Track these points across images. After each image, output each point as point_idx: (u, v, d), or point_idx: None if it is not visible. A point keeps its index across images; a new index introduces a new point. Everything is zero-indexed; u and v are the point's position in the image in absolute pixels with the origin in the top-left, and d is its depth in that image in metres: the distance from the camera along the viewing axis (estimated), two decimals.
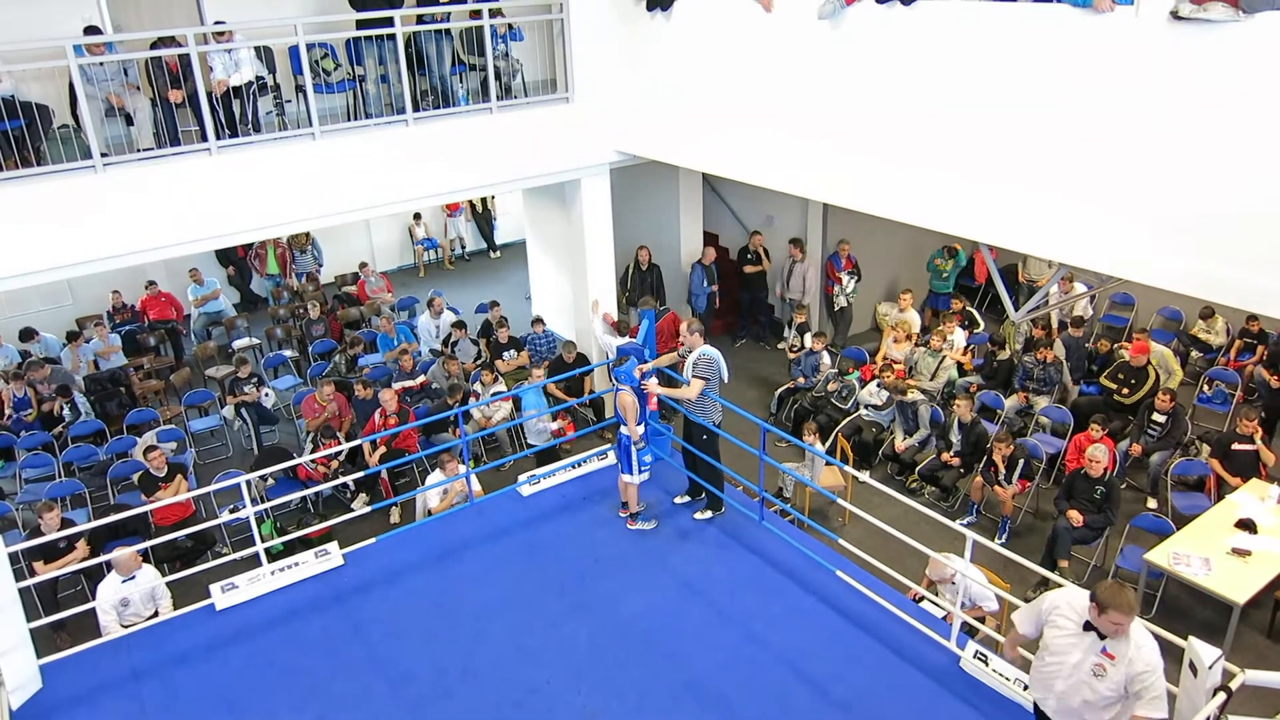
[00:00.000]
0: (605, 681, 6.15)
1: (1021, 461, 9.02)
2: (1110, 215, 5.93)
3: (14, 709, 5.95)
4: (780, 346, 12.62)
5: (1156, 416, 9.41)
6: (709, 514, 7.79)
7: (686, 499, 8.06)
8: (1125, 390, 10.16)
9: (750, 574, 7.12)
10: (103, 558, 7.35)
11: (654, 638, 6.51)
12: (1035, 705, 4.99)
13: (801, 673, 6.12)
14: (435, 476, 8.89)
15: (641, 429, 7.35)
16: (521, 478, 8.54)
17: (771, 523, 7.58)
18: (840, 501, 7.13)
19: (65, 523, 8.13)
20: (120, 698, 6.28)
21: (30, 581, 6.96)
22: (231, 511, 8.59)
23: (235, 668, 6.49)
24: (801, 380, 11.19)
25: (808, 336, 11.78)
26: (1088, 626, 4.50)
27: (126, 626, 7.15)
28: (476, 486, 8.52)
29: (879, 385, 10.54)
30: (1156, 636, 4.57)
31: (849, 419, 10.48)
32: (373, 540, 7.78)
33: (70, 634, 7.82)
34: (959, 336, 11.59)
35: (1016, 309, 8.03)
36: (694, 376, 7.28)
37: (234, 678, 6.40)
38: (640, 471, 7.47)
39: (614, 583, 7.13)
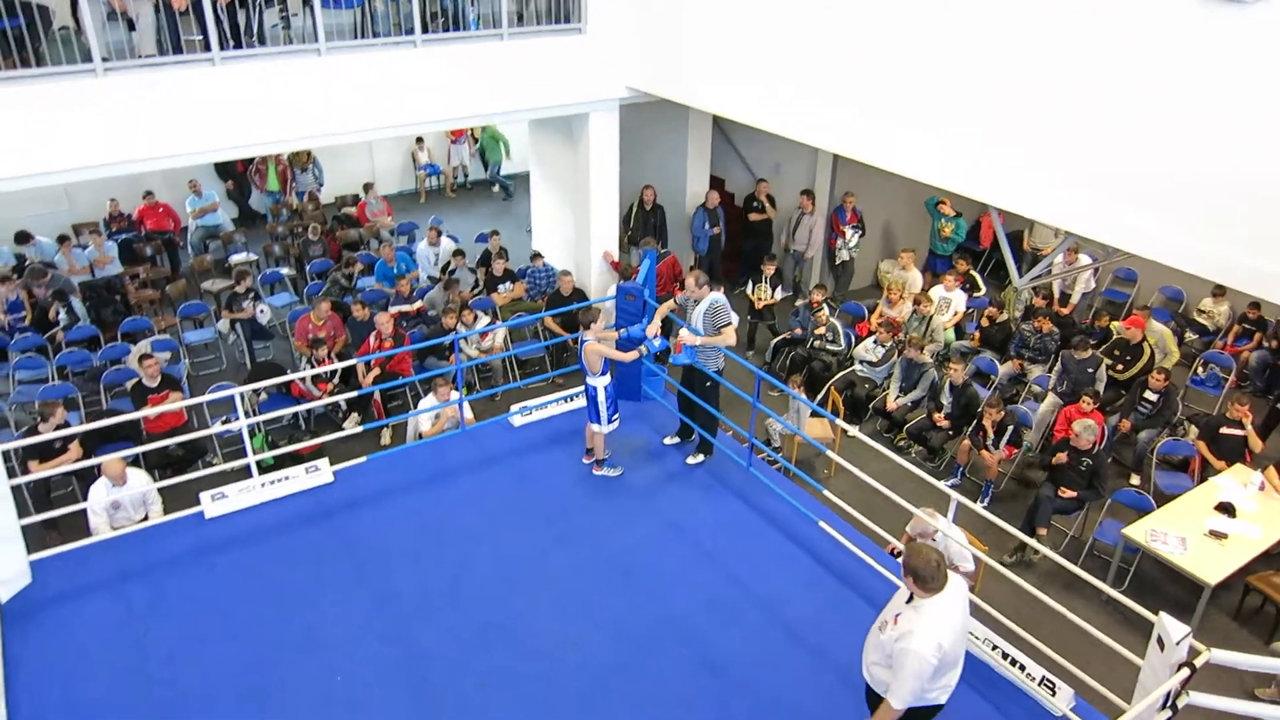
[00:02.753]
0: (586, 612, 6.26)
1: (1011, 428, 9.10)
2: (1122, 186, 5.90)
3: (3, 601, 6.03)
4: (750, 296, 12.47)
5: (1149, 394, 9.48)
6: (700, 458, 7.86)
7: (676, 440, 8.12)
8: (1120, 366, 10.22)
9: (734, 518, 7.22)
10: (95, 460, 7.39)
11: (636, 574, 6.62)
12: None
13: (778, 617, 6.24)
14: (428, 401, 8.93)
15: (606, 380, 7.34)
16: (513, 408, 8.58)
17: (759, 470, 7.66)
18: (828, 453, 7.20)
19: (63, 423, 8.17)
20: (108, 598, 6.37)
21: (23, 479, 7.01)
22: (224, 423, 8.62)
23: (223, 576, 6.58)
24: (799, 331, 11.21)
25: (778, 290, 11.86)
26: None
27: (116, 529, 7.23)
28: (469, 414, 8.56)
29: (875, 342, 10.57)
30: (1127, 610, 4.64)
31: (844, 373, 10.54)
32: (363, 459, 7.84)
33: (61, 533, 7.90)
34: (959, 299, 11.60)
35: (1020, 275, 8.03)
36: (720, 325, 7.27)
37: (221, 585, 6.49)
38: (609, 421, 7.51)
39: (600, 518, 7.21)
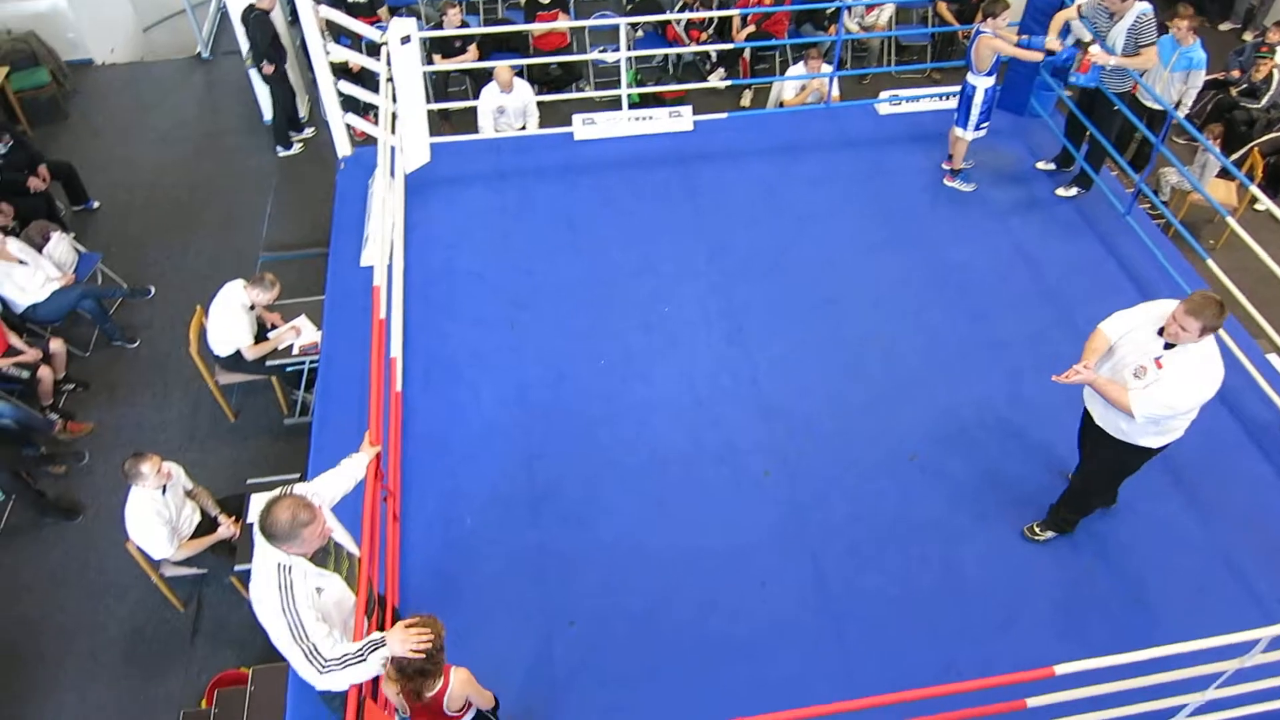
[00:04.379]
0: (901, 315, 6.26)
1: None
2: None
3: (409, 172, 7.00)
4: (1223, 28, 10.50)
5: None
6: (1074, 191, 7.17)
7: (1051, 167, 7.42)
8: None
9: (1092, 263, 6.67)
10: (489, 63, 8.02)
11: (965, 291, 6.43)
12: None
13: None
14: (797, 69, 8.68)
15: (990, 82, 6.62)
16: (882, 94, 8.15)
17: (1137, 220, 6.90)
18: (1229, 220, 6.27)
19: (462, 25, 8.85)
20: (487, 190, 7.22)
21: (429, 68, 7.80)
22: (601, 52, 8.94)
23: (580, 194, 7.18)
24: (1236, 73, 9.44)
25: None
26: (1160, 332, 4.10)
27: (498, 132, 7.99)
28: (835, 91, 8.25)
29: None
30: None
31: (1276, 135, 8.90)
32: (724, 116, 7.93)
33: (453, 125, 8.88)
34: None
35: None
36: (1142, 45, 6.31)
37: (577, 202, 7.11)
38: (976, 128, 6.88)
39: (946, 227, 6.95)
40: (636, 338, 6.06)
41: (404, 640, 3.18)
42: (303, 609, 3.22)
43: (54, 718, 5.18)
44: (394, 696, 3.29)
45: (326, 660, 3.21)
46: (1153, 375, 4.12)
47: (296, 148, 9.32)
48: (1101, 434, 4.49)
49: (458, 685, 3.32)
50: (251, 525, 5.07)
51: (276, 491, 3.36)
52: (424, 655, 3.17)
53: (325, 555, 3.49)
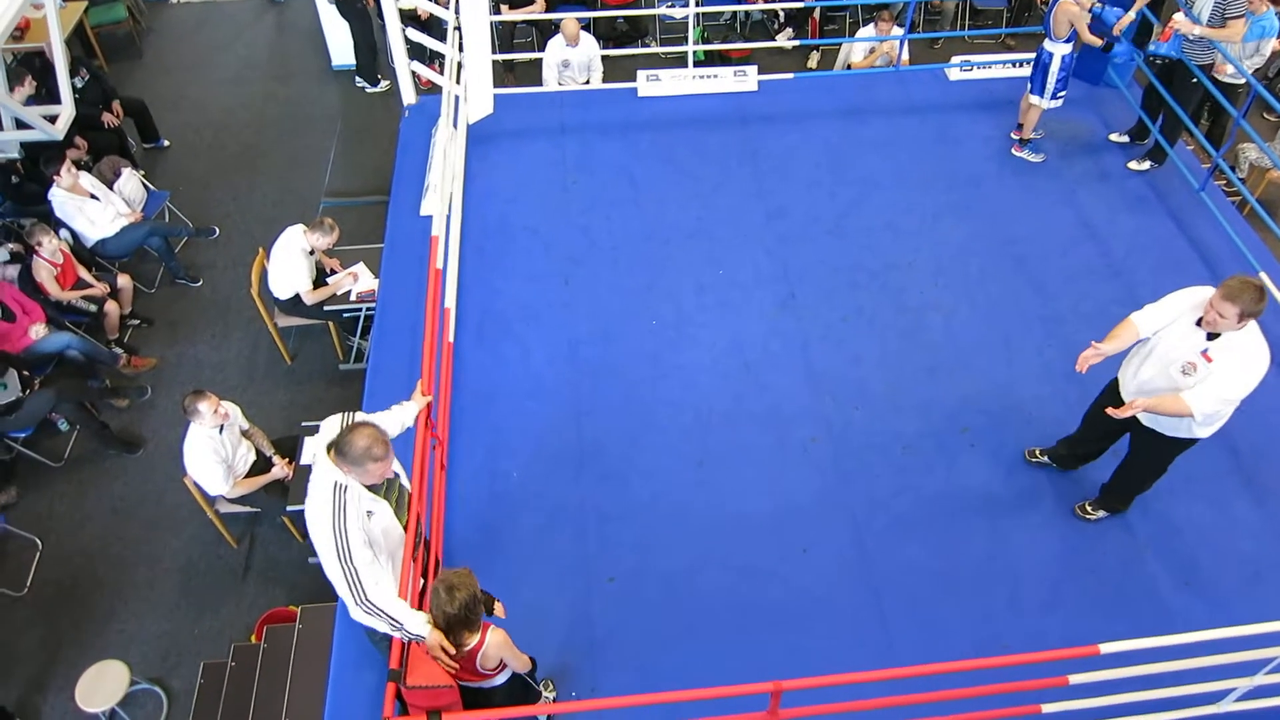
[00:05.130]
0: (961, 284, 6.13)
1: None
2: None
3: (471, 123, 7.00)
4: None
5: None
6: (1147, 165, 6.93)
7: (1124, 139, 7.18)
8: None
9: (1161, 240, 6.46)
10: (556, 15, 7.96)
11: (1027, 263, 6.27)
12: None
13: None
14: (867, 31, 8.47)
15: (1067, 49, 6.39)
16: (953, 59, 7.92)
17: (1211, 196, 6.65)
18: None
19: None
20: (548, 143, 7.20)
21: (496, 18, 7.76)
22: (669, 7, 8.81)
23: (641, 150, 7.13)
24: None
25: None
26: (1199, 322, 3.97)
27: (562, 85, 7.94)
28: (905, 54, 8.04)
29: None
30: None
31: None
32: (789, 76, 7.79)
33: (517, 77, 8.85)
34: None
35: None
36: (1229, 17, 6.06)
37: (638, 158, 7.06)
38: (1054, 98, 6.66)
39: (1008, 197, 6.77)
40: (689, 299, 6.03)
41: (438, 652, 3.30)
42: (352, 530, 3.32)
43: (112, 644, 5.37)
44: (434, 644, 3.36)
45: (369, 599, 3.31)
46: (1204, 370, 3.99)
47: (384, 84, 9.37)
48: (1149, 432, 4.36)
49: (492, 645, 3.37)
50: (306, 466, 5.22)
51: (352, 416, 3.50)
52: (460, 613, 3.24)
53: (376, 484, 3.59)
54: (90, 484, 6.14)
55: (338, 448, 3.33)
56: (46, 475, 6.16)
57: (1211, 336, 3.97)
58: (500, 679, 3.59)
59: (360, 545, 3.33)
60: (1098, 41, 6.52)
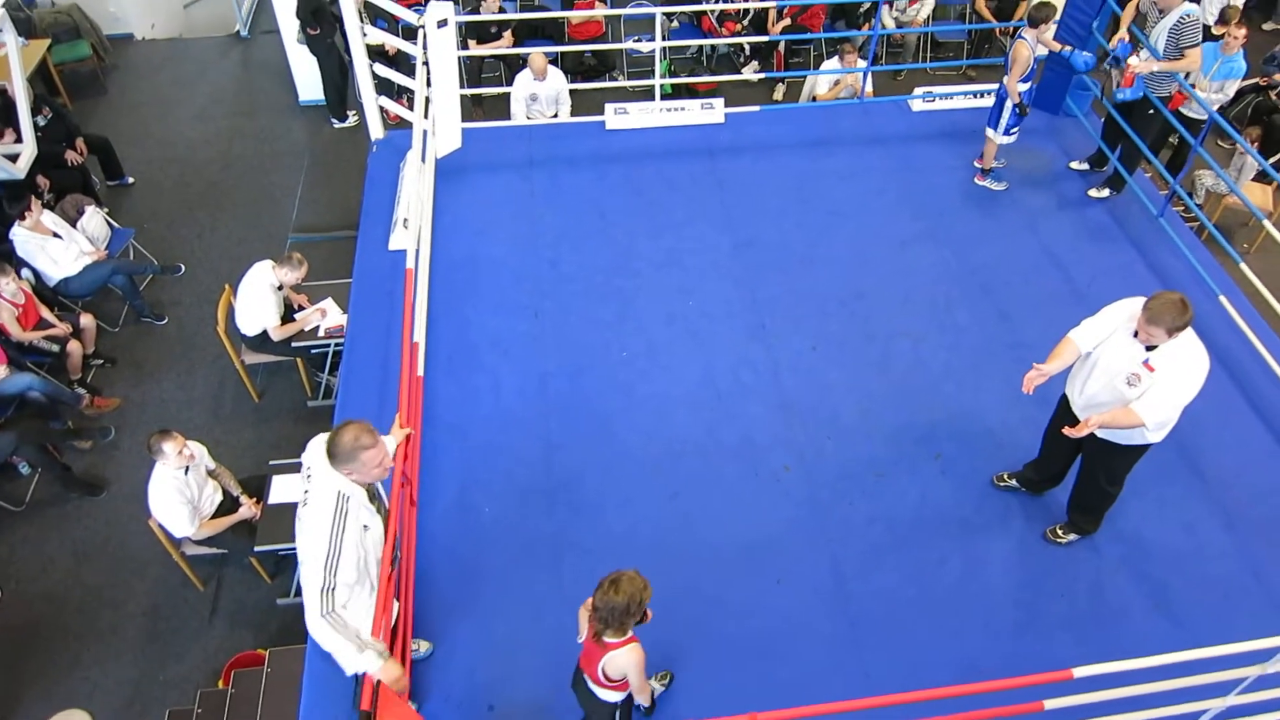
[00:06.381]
0: (929, 311, 6.20)
1: None
2: None
3: (439, 157, 7.01)
4: (1266, 27, 10.27)
5: None
6: (1106, 192, 7.07)
7: (1084, 167, 7.32)
8: None
9: (1122, 267, 6.57)
10: (523, 49, 8.02)
11: (993, 290, 6.35)
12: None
13: None
14: (831, 64, 8.60)
15: (1024, 88, 6.53)
16: (916, 90, 8.06)
17: (1170, 222, 6.79)
18: (1266, 223, 6.17)
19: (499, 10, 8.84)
20: (516, 176, 7.22)
21: (464, 53, 7.80)
22: (636, 41, 8.91)
23: (610, 183, 7.16)
24: (1277, 77, 9.25)
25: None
26: (1135, 334, 4.09)
27: (530, 119, 7.98)
28: (869, 86, 8.18)
29: None
30: None
31: None
32: (756, 109, 7.88)
33: (485, 110, 8.88)
34: None
35: None
36: (1184, 46, 6.21)
37: (607, 191, 7.10)
38: (1007, 132, 6.80)
39: (974, 226, 6.87)
40: (659, 330, 6.04)
41: (399, 686, 3.31)
42: (347, 544, 3.31)
43: (76, 692, 5.23)
44: (584, 618, 3.32)
45: (334, 611, 3.27)
46: (1148, 380, 4.07)
47: (352, 119, 9.36)
48: (1104, 444, 4.42)
49: (623, 655, 3.29)
50: (274, 506, 5.14)
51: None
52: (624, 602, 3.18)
53: (374, 497, 3.58)
54: (53, 528, 6.01)
55: (329, 451, 3.33)
56: (8, 520, 6.02)
57: (1151, 347, 4.07)
58: (612, 697, 3.53)
59: (349, 565, 3.31)
60: (1015, 94, 6.60)
